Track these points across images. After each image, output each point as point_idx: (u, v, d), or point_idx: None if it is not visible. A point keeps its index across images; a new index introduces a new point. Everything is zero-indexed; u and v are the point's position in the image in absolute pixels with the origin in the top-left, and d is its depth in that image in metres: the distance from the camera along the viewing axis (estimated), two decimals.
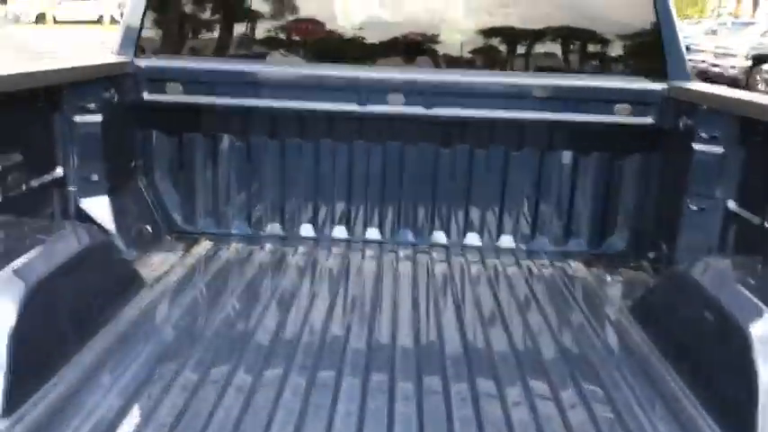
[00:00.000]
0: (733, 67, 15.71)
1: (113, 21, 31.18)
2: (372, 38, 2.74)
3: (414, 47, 2.72)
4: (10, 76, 2.13)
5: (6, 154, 2.11)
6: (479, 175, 2.69)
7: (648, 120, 2.55)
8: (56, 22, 33.27)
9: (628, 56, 2.71)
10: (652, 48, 2.54)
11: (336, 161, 2.72)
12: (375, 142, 2.70)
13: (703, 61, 16.56)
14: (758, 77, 14.91)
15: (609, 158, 2.67)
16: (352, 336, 1.93)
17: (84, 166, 2.47)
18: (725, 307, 1.60)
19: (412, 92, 2.56)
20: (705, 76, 14.99)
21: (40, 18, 33.99)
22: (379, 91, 2.57)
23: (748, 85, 14.70)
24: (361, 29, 2.74)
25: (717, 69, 16.16)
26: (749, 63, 15.27)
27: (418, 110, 2.59)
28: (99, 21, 33.54)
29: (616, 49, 2.73)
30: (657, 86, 2.55)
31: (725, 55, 16.33)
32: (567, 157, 2.68)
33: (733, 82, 14.38)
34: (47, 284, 1.62)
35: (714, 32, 19.87)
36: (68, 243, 1.88)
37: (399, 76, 2.60)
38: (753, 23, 19.73)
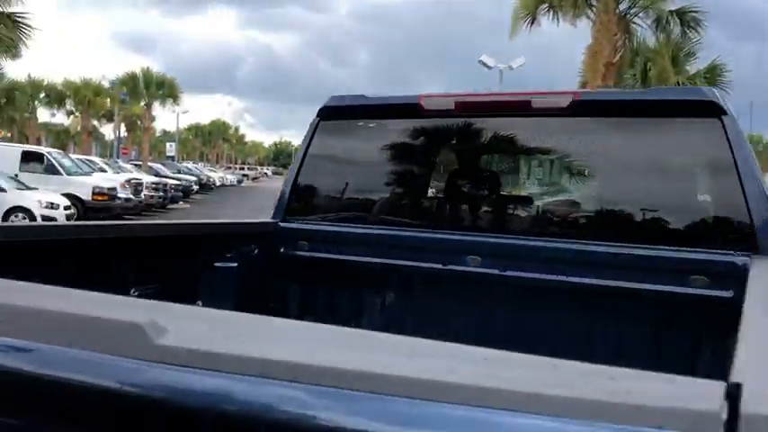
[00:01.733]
0: None
1: None
2: (468, 208, 3.12)
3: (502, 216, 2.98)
4: (185, 225, 3.09)
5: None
6: (559, 343, 2.62)
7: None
8: None
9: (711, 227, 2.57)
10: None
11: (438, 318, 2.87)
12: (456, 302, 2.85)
13: None
14: None
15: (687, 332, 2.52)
16: None
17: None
18: None
19: (492, 255, 2.73)
20: None
21: None
22: (462, 253, 2.77)
23: None
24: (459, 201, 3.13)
25: None
26: None
27: (494, 271, 2.69)
28: None
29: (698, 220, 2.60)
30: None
31: None
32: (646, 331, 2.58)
33: None
34: None
35: None
36: None
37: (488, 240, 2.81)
38: None
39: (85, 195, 19.04)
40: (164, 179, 28.62)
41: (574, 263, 2.53)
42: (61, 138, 59.26)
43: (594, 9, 16.78)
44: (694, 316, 2.37)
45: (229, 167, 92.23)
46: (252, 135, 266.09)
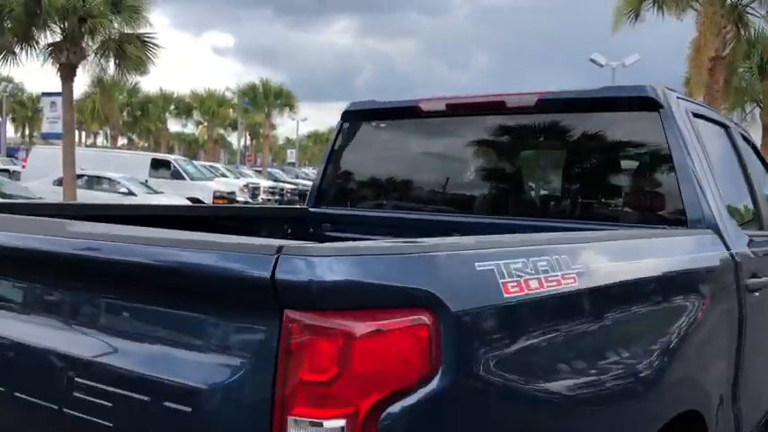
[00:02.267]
0: None
1: None
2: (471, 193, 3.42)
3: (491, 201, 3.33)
4: (235, 208, 3.30)
5: None
6: None
7: None
8: None
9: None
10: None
11: None
12: None
13: None
14: None
15: None
16: None
17: None
18: None
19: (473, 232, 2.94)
20: None
21: None
22: (451, 230, 3.02)
23: None
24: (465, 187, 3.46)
25: None
26: None
27: None
28: None
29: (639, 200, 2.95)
30: None
31: None
32: None
33: None
34: None
35: None
36: None
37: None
38: None
39: (207, 198, 20.59)
40: (280, 183, 30.22)
41: None
42: (191, 146, 63.28)
43: (699, 1, 16.25)
44: None
45: None
46: None
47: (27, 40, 16.71)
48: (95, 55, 17.13)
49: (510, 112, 2.98)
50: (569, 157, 3.07)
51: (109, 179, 18.38)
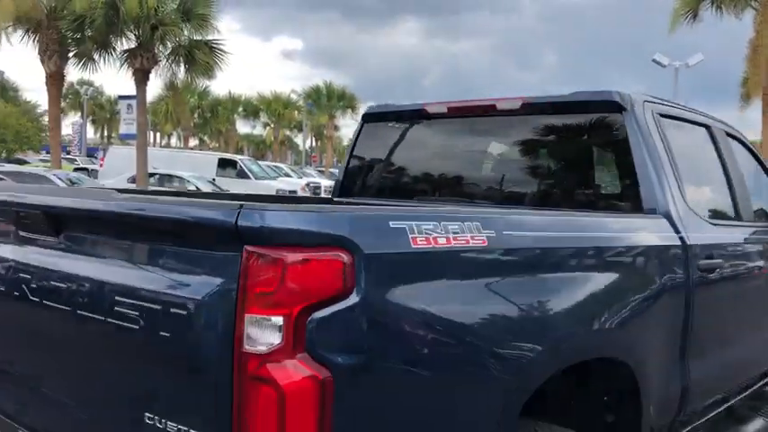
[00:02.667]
0: None
1: None
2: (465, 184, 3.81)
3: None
4: (270, 197, 3.93)
5: None
6: None
7: None
8: None
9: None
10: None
11: None
12: None
13: None
14: None
15: None
16: None
17: None
18: None
19: None
20: None
21: None
22: None
23: None
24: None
25: None
26: None
27: None
28: None
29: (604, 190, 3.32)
30: None
31: None
32: None
33: None
34: None
35: None
36: None
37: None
38: None
39: None
40: None
41: None
42: (260, 147, 65.18)
43: (759, 0, 16.06)
44: None
45: None
46: None
47: (105, 47, 17.94)
48: (167, 60, 18.21)
49: (500, 114, 3.43)
50: (547, 153, 3.49)
51: (179, 177, 19.44)
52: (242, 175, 22.98)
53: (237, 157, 25.63)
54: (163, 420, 1.65)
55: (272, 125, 48.74)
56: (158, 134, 53.84)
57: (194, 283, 1.61)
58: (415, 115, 3.85)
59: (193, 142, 54.06)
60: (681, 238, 2.86)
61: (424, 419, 1.71)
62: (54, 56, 17.89)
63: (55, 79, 18.27)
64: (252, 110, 45.25)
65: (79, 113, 63.33)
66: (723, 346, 3.29)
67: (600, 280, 2.40)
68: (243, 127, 56.77)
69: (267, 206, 1.54)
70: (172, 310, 1.62)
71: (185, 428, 1.60)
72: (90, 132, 67.09)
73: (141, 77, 18.04)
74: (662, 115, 3.22)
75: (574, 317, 2.16)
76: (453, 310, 1.77)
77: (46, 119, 26.71)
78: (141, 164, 17.83)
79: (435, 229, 1.77)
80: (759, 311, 3.66)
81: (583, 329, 2.21)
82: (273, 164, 30.64)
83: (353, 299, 1.54)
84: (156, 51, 17.78)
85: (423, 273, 1.72)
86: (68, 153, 53.88)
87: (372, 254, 1.59)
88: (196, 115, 43.78)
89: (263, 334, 1.49)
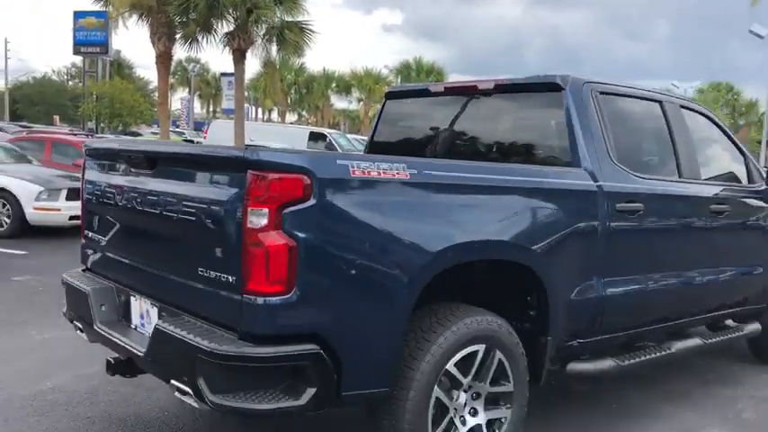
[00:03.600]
0: None
1: None
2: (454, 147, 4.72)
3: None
4: None
5: None
6: None
7: None
8: None
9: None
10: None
11: None
12: None
13: None
14: None
15: None
16: None
17: None
18: None
19: None
20: None
21: None
22: None
23: None
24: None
25: None
26: None
27: None
28: None
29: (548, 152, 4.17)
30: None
31: None
32: None
33: None
34: None
35: None
36: None
37: None
38: None
39: None
40: None
41: None
42: (355, 122, 67.17)
43: None
44: None
45: None
46: None
47: (207, 29, 19.71)
48: (261, 41, 19.81)
49: (480, 92, 4.48)
50: (511, 121, 4.51)
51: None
52: (330, 147, 24.46)
53: (327, 131, 27.18)
54: (208, 271, 2.89)
55: (364, 100, 50.28)
56: (260, 109, 56.59)
57: (224, 192, 2.83)
58: (422, 94, 4.95)
59: (292, 117, 56.45)
60: (598, 186, 3.85)
61: (350, 272, 2.85)
62: (163, 37, 19.83)
63: (164, 59, 20.25)
64: (344, 85, 47.04)
65: (187, 89, 67.41)
66: (644, 275, 4.22)
67: (505, 206, 3.46)
68: (340, 102, 58.78)
69: (261, 148, 2.74)
70: (212, 207, 2.85)
71: (220, 274, 2.84)
72: (197, 107, 71.28)
73: (239, 57, 19.76)
74: (602, 93, 4.17)
75: (472, 227, 3.24)
76: (378, 211, 2.90)
77: (157, 94, 29.13)
78: (238, 136, 19.60)
79: (370, 166, 2.90)
80: (687, 252, 4.55)
81: (479, 237, 3.29)
82: (362, 137, 32.07)
83: (310, 202, 2.70)
84: (251, 32, 19.41)
85: (358, 190, 2.86)
86: (177, 126, 57.70)
87: (323, 177, 2.74)
88: (293, 91, 46.03)
89: (258, 219, 2.67)
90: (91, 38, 43.47)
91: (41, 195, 10.31)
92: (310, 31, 19.67)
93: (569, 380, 4.37)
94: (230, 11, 18.99)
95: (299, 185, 2.69)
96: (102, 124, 41.08)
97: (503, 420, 3.45)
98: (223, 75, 28.70)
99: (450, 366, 3.18)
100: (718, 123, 5.25)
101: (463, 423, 3.31)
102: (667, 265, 4.38)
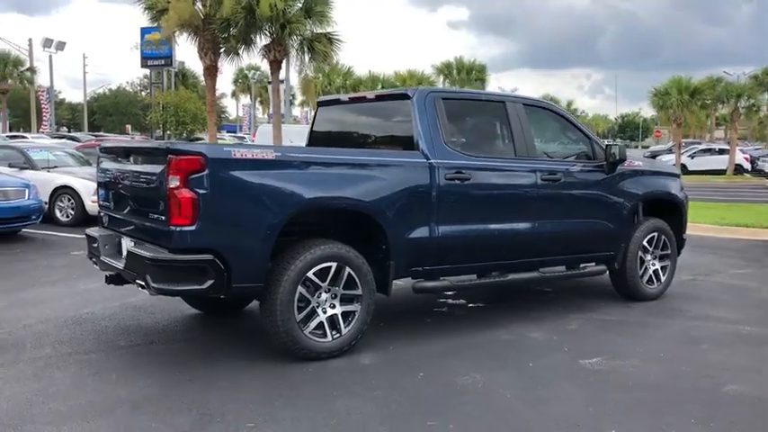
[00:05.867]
0: None
1: (737, 171, 35.49)
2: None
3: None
4: None
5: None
6: None
7: None
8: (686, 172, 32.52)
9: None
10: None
11: None
12: None
13: None
14: None
15: None
16: None
17: None
18: None
19: None
20: None
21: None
22: None
23: None
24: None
25: None
26: None
27: None
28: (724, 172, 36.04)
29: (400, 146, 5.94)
30: None
31: None
32: None
33: None
34: None
35: None
36: None
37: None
38: None
39: None
40: None
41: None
42: None
43: None
44: None
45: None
46: (607, 108, 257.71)
47: (247, 43, 22.04)
48: (295, 51, 22.02)
49: (366, 101, 6.42)
50: (382, 121, 6.41)
51: None
52: None
53: None
54: (154, 215, 4.92)
55: None
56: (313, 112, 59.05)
57: (159, 168, 4.81)
58: (337, 102, 6.90)
59: None
60: (429, 163, 5.70)
61: (232, 213, 4.77)
62: (209, 52, 22.25)
63: (210, 71, 22.69)
64: (389, 87, 48.92)
65: (249, 96, 70.93)
66: (474, 224, 6.00)
67: (347, 175, 5.36)
68: None
69: (177, 143, 4.77)
70: (154, 177, 4.87)
71: (159, 216, 4.84)
72: (259, 112, 74.80)
73: (276, 67, 22.05)
74: (444, 98, 6.01)
75: (317, 187, 5.16)
76: (253, 177, 4.82)
77: (223, 102, 31.82)
78: (276, 138, 21.86)
79: (248, 151, 4.88)
80: (515, 209, 6.29)
81: (329, 193, 5.21)
82: None
83: (205, 172, 4.66)
84: (286, 45, 21.64)
85: (239, 166, 4.82)
86: (240, 131, 60.74)
87: (213, 158, 4.71)
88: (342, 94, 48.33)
89: (174, 182, 4.64)
90: (156, 52, 47.06)
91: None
92: (338, 40, 21.78)
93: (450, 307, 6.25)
94: (266, 26, 21.25)
95: (198, 162, 4.67)
96: (168, 131, 44.38)
97: (355, 313, 5.35)
98: (270, 83, 31.07)
99: (310, 274, 5.10)
100: (564, 115, 6.99)
101: (324, 312, 5.23)
102: (495, 217, 6.13)
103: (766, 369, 5.26)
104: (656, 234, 7.36)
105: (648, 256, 7.34)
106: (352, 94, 6.79)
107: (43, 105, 51.25)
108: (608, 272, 7.22)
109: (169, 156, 4.67)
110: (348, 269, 5.27)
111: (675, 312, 6.94)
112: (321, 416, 4.16)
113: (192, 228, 4.65)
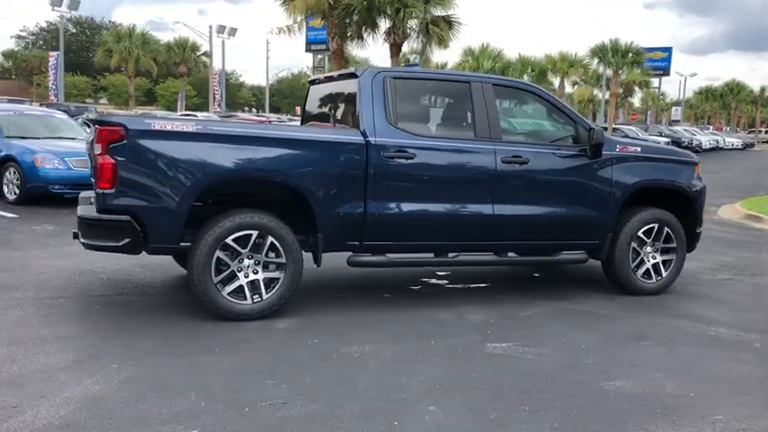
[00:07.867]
0: None
1: None
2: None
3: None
4: None
5: None
6: None
7: None
8: None
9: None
10: None
11: None
12: None
13: None
14: None
15: None
16: None
17: None
18: None
19: None
20: None
21: None
22: None
23: None
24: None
25: None
26: None
27: None
28: None
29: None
30: None
31: None
32: None
33: None
34: None
35: None
36: None
37: None
38: None
39: None
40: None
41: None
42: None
43: None
44: None
45: (752, 131, 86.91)
46: None
47: (372, 27, 22.69)
48: (415, 35, 22.34)
49: (335, 80, 6.66)
50: (339, 99, 6.58)
51: None
52: None
53: None
54: (94, 179, 5.58)
55: (578, 84, 50.26)
56: None
57: (93, 137, 5.45)
58: (319, 81, 7.20)
59: None
60: (367, 141, 5.84)
61: (149, 179, 5.26)
62: (336, 37, 23.21)
63: (337, 55, 23.65)
64: (540, 70, 47.55)
65: None
66: (415, 203, 6.03)
67: (278, 151, 5.65)
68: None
69: (106, 114, 5.37)
70: (93, 144, 5.50)
71: (95, 180, 5.49)
72: None
73: (395, 51, 22.50)
74: (396, 78, 6.11)
75: (244, 160, 5.50)
76: (171, 148, 5.28)
77: None
78: None
79: (167, 123, 5.37)
80: (463, 190, 6.19)
81: (250, 166, 5.53)
82: None
83: (124, 142, 5.21)
84: (405, 28, 22.01)
85: (157, 136, 5.30)
86: None
87: (132, 129, 5.22)
88: None
89: (98, 150, 5.23)
90: (318, 37, 49.33)
91: None
92: (457, 23, 21.77)
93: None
94: (387, 9, 21.75)
95: (118, 133, 5.21)
96: None
97: (279, 280, 5.67)
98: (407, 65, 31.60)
99: (229, 240, 5.49)
100: (547, 98, 6.74)
101: (247, 276, 5.61)
102: (443, 197, 6.11)
103: (692, 370, 4.88)
104: (655, 225, 6.89)
105: (648, 249, 6.91)
106: (329, 74, 7.05)
107: (215, 87, 55.65)
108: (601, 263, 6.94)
109: (96, 126, 5.26)
110: (271, 238, 5.58)
111: (656, 308, 6.51)
112: (179, 365, 4.55)
113: (112, 191, 5.21)
